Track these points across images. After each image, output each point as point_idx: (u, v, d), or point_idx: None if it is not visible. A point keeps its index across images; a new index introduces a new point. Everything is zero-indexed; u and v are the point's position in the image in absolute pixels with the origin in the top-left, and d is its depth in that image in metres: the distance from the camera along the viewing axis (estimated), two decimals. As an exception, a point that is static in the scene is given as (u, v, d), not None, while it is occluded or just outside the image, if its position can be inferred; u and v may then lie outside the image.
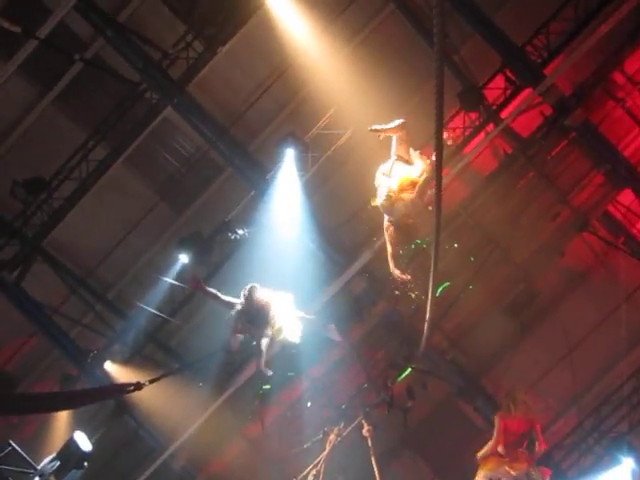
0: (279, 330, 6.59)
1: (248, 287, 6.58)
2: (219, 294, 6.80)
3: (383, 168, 6.46)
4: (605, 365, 12.72)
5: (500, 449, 8.06)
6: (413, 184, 6.25)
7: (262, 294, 6.59)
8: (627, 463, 11.82)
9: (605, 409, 12.42)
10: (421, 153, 6.39)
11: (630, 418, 12.31)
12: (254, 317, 6.53)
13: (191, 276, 6.96)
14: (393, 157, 6.50)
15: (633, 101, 12.38)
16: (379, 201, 6.29)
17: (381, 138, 6.54)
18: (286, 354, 6.82)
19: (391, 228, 6.35)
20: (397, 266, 6.46)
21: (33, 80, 12.68)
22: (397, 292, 7.30)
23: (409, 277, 6.63)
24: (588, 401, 12.82)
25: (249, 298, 6.51)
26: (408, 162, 6.43)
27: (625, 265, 12.81)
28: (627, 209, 12.42)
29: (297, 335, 6.78)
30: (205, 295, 6.89)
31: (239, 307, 6.56)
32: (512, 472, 7.66)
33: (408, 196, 6.22)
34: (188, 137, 13.10)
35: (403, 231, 6.35)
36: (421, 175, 6.19)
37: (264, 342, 6.56)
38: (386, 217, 6.38)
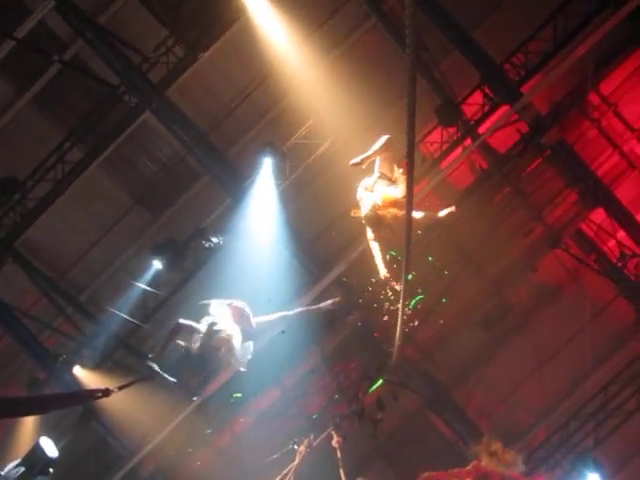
0: (227, 364, 6.50)
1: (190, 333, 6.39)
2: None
3: (365, 183, 6.49)
4: (574, 381, 12.86)
5: None
6: (395, 203, 6.30)
7: (216, 322, 6.37)
8: (593, 478, 11.98)
9: (573, 424, 12.55)
10: (403, 172, 6.41)
11: (596, 434, 12.46)
12: (196, 364, 6.39)
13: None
14: (376, 174, 6.54)
15: (608, 122, 12.60)
16: (363, 212, 6.33)
17: (364, 167, 6.58)
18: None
19: (376, 237, 6.41)
20: (389, 272, 6.43)
21: (10, 79, 12.54)
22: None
23: (396, 284, 6.62)
24: (557, 416, 12.93)
25: (186, 352, 6.34)
26: (391, 180, 6.48)
27: (595, 282, 13.00)
28: (599, 227, 12.60)
29: (244, 362, 6.64)
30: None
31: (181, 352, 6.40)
32: None
33: (394, 211, 6.27)
34: (166, 142, 13.03)
35: (385, 242, 6.40)
36: (404, 196, 6.23)
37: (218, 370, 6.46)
38: (369, 229, 6.43)
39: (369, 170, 6.77)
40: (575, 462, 12.24)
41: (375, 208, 6.27)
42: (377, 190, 6.40)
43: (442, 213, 6.57)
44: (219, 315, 6.44)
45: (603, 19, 10.66)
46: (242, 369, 6.62)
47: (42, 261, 13.30)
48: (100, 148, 12.14)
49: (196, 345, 6.35)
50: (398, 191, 6.40)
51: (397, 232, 6.43)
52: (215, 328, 6.33)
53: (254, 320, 6.69)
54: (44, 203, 12.20)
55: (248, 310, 6.68)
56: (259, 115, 12.96)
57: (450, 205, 7.11)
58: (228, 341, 6.34)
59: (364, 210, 6.36)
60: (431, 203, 12.03)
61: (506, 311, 12.69)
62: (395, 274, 6.55)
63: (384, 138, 6.25)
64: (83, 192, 12.87)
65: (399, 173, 6.47)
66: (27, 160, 12.35)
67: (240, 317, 6.55)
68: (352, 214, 6.51)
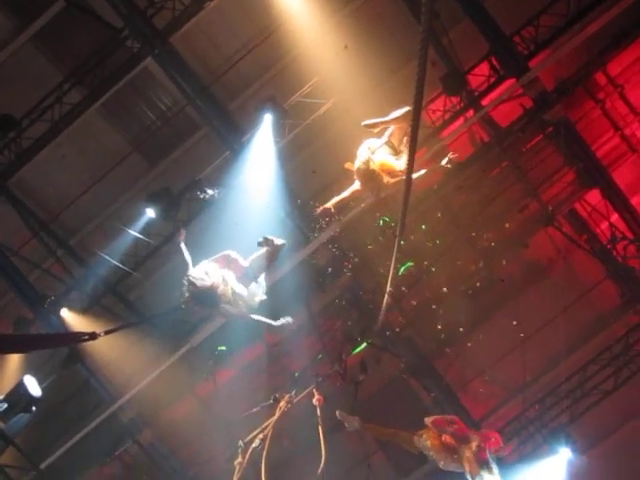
0: (236, 301, 6.52)
1: (185, 280, 6.42)
2: (187, 257, 6.67)
3: (370, 143, 6.52)
4: (554, 358, 13.01)
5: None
6: (391, 172, 6.33)
7: (204, 274, 6.41)
8: (564, 453, 12.24)
9: (549, 400, 12.76)
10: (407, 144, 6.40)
11: (571, 411, 12.68)
12: (204, 299, 6.41)
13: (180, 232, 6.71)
14: (384, 139, 6.54)
15: (612, 103, 12.53)
16: (356, 164, 6.37)
17: (377, 131, 6.58)
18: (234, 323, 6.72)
19: (360, 191, 6.48)
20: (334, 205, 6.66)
21: (12, 14, 12.29)
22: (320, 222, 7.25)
23: (332, 211, 6.77)
24: (534, 391, 13.13)
25: (191, 288, 6.36)
26: (395, 150, 6.49)
27: (585, 263, 13.08)
28: (593, 209, 12.63)
29: (260, 295, 6.72)
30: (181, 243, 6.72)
31: (187, 295, 6.42)
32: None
33: (387, 179, 6.30)
34: (167, 90, 12.87)
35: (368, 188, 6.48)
36: (402, 170, 6.28)
37: (226, 311, 6.48)
38: (357, 181, 6.48)
39: (379, 134, 6.77)
40: (548, 437, 12.48)
41: (368, 163, 6.31)
42: (379, 154, 6.42)
43: (443, 162, 6.58)
44: (208, 269, 6.47)
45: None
46: (257, 303, 6.67)
47: (34, 202, 13.24)
48: (99, 92, 11.98)
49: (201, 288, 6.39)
50: (399, 163, 6.42)
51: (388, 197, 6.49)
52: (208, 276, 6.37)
53: (243, 260, 6.70)
54: (39, 143, 12.09)
55: (233, 254, 6.69)
56: (262, 70, 12.80)
57: (447, 181, 7.15)
58: (225, 281, 6.36)
59: (357, 164, 6.41)
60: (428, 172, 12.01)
61: (494, 285, 12.77)
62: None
63: (405, 109, 6.23)
64: (80, 135, 12.75)
65: (405, 146, 6.48)
66: (24, 98, 12.18)
67: (227, 263, 6.58)
68: (346, 166, 6.56)
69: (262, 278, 6.73)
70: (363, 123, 6.51)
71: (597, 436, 13.11)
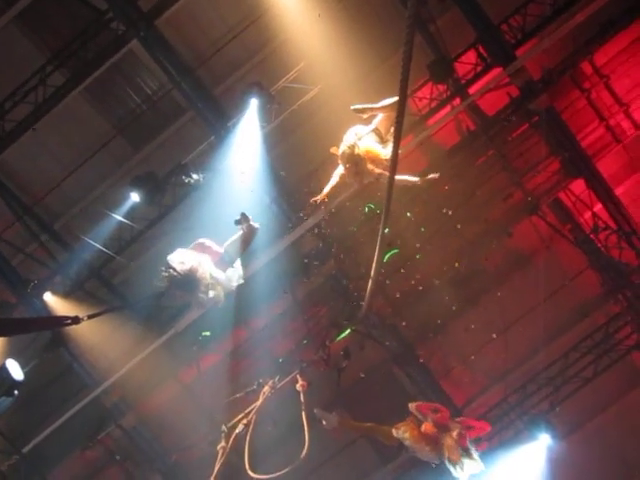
0: (214, 285, 6.54)
1: (165, 264, 6.45)
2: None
3: (357, 129, 6.54)
4: (536, 346, 13.15)
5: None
6: (375, 159, 6.36)
7: (182, 260, 6.43)
8: (544, 439, 12.42)
9: (530, 387, 12.91)
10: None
11: (552, 398, 12.84)
12: (183, 283, 6.43)
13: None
14: (372, 126, 6.56)
15: (597, 93, 12.58)
16: (341, 148, 6.40)
17: (365, 117, 6.59)
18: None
19: (344, 175, 6.51)
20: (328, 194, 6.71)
21: (-6, -6, 12.11)
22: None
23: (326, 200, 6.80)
24: (515, 378, 13.27)
25: (170, 272, 6.38)
26: (382, 140, 6.52)
27: (568, 253, 13.19)
28: (577, 198, 12.71)
29: (237, 279, 6.76)
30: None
31: (165, 282, 6.44)
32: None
33: (371, 167, 6.34)
34: (152, 74, 12.75)
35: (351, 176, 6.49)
36: (387, 159, 6.33)
37: (203, 300, 6.51)
38: (341, 166, 6.51)
39: (352, 119, 6.79)
40: (528, 423, 12.65)
41: (353, 148, 6.34)
42: (365, 141, 6.44)
43: (422, 179, 6.62)
44: (184, 256, 6.49)
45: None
46: (235, 285, 6.74)
47: (17, 186, 13.11)
48: (83, 74, 11.84)
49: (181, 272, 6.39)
50: (384, 151, 6.45)
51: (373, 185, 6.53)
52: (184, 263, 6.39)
53: (218, 246, 6.72)
54: (22, 126, 11.94)
55: (208, 241, 6.72)
56: (249, 55, 12.72)
57: (432, 169, 7.23)
58: (202, 266, 6.37)
59: (342, 147, 6.44)
60: (415, 159, 12.04)
61: (478, 273, 12.85)
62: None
63: (395, 99, 6.24)
64: (63, 118, 12.62)
65: (392, 135, 6.49)
66: (7, 81, 12.02)
67: (203, 249, 6.61)
68: (331, 150, 6.58)
69: (238, 263, 6.77)
70: (352, 106, 6.53)
71: (576, 422, 13.31)
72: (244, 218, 6.73)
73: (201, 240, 6.73)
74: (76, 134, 13.04)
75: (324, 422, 7.91)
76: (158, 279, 6.35)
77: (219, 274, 6.53)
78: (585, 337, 12.92)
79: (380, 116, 6.61)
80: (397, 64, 3.93)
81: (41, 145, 12.84)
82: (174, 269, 6.34)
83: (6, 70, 12.21)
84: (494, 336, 13.10)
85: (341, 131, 6.69)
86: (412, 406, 7.93)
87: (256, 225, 6.79)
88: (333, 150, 6.54)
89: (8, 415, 12.57)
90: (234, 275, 6.75)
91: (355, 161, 6.39)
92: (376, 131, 6.60)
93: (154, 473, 13.59)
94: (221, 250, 6.69)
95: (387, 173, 6.36)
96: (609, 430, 13.34)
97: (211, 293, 6.46)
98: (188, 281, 6.36)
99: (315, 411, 7.90)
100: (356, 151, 6.39)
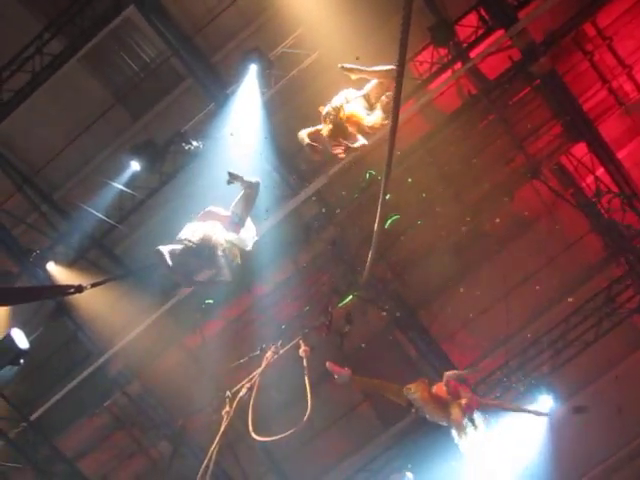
0: (230, 248, 6.52)
1: (178, 243, 6.32)
2: None
3: (348, 92, 6.49)
4: (537, 311, 13.22)
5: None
6: (357, 124, 6.34)
7: (193, 230, 6.33)
8: (545, 402, 12.55)
9: (531, 351, 13.01)
10: (388, 102, 6.37)
11: (553, 361, 12.94)
12: (200, 252, 6.36)
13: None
14: (363, 91, 6.51)
15: (600, 56, 12.43)
16: (326, 108, 6.38)
17: (354, 78, 6.52)
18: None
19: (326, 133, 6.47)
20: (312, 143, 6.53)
21: (-13, -39, 11.91)
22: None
23: (319, 153, 6.66)
24: (518, 342, 13.36)
25: (187, 244, 6.27)
26: (370, 105, 6.47)
27: (570, 217, 13.18)
28: (579, 162, 12.65)
29: (251, 238, 6.75)
30: None
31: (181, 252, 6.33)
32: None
33: (352, 130, 6.32)
34: (150, 41, 12.60)
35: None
36: (370, 127, 6.30)
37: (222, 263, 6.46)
38: (324, 124, 6.48)
39: (359, 86, 6.73)
40: (529, 386, 12.77)
41: (339, 110, 6.31)
42: (353, 104, 6.41)
43: (356, 144, 6.54)
44: (194, 228, 6.45)
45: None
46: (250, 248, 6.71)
47: (16, 156, 13.06)
48: (81, 42, 11.70)
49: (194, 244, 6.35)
50: (369, 118, 6.42)
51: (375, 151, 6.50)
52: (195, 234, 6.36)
53: (224, 210, 6.68)
54: (20, 95, 11.85)
55: (213, 208, 6.67)
56: (247, 21, 12.54)
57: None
58: (214, 231, 6.37)
59: (327, 108, 6.41)
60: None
61: (480, 238, 12.86)
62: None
63: (390, 66, 6.17)
64: (61, 87, 12.50)
65: (382, 102, 6.45)
66: (3, 50, 11.90)
67: (210, 216, 6.57)
68: (319, 109, 6.55)
69: (249, 222, 6.74)
70: (341, 65, 6.46)
71: (577, 385, 13.43)
72: (232, 176, 6.66)
73: (207, 209, 6.67)
74: (74, 103, 12.93)
75: (336, 377, 7.96)
76: (156, 257, 6.25)
77: (232, 236, 6.50)
78: (587, 301, 12.97)
79: (373, 82, 6.54)
80: (398, 26, 3.87)
81: (39, 115, 12.75)
82: (188, 240, 6.27)
83: (2, 39, 12.07)
84: (496, 300, 13.16)
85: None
86: (447, 375, 8.07)
87: (253, 180, 6.72)
88: (321, 109, 6.50)
89: (15, 384, 12.72)
90: (248, 235, 6.72)
91: (337, 124, 6.37)
92: (366, 96, 6.55)
93: (160, 438, 13.80)
94: (228, 213, 6.65)
95: (364, 141, 6.41)
96: (610, 393, 13.47)
97: (230, 256, 6.44)
98: (204, 248, 6.30)
99: (327, 364, 7.96)
100: (340, 114, 6.37)
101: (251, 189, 6.66)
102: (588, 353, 13.02)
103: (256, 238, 6.83)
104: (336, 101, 6.44)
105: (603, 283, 13.20)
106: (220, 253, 6.34)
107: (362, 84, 6.65)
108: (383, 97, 6.48)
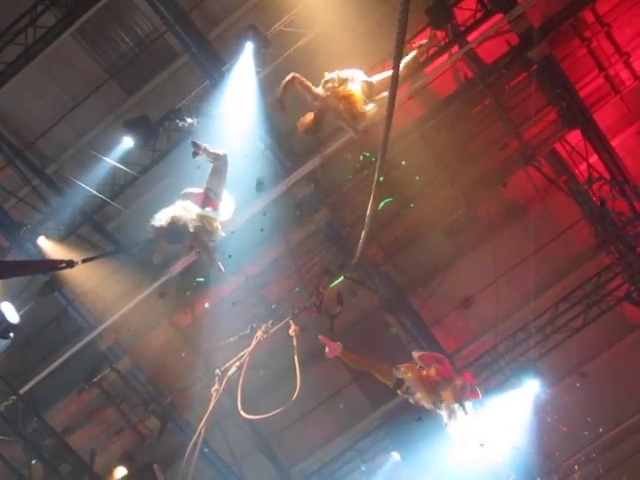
0: (208, 220, 6.53)
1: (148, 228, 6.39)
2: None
3: (357, 73, 6.49)
4: (527, 296, 13.28)
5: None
6: (351, 106, 6.33)
7: (162, 214, 6.37)
8: (531, 386, 12.68)
9: (520, 336, 13.11)
10: (384, 104, 6.37)
11: (541, 347, 13.05)
12: (172, 234, 6.39)
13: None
14: (370, 79, 6.50)
15: (598, 43, 12.39)
16: (331, 75, 6.38)
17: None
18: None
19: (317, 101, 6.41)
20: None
21: None
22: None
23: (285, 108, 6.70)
24: (506, 327, 13.45)
25: (157, 227, 6.32)
26: (370, 96, 6.48)
27: (562, 204, 13.21)
28: (573, 149, 12.66)
29: (230, 210, 6.78)
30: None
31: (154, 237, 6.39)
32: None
33: (343, 107, 6.30)
34: (145, 16, 12.46)
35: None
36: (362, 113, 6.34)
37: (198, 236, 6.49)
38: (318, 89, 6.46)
39: (348, 64, 6.72)
40: (517, 370, 12.89)
41: (342, 82, 6.29)
42: (355, 85, 6.40)
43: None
44: (165, 212, 6.46)
45: None
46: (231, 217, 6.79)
47: (8, 129, 12.95)
48: (75, 14, 11.55)
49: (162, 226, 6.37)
50: (363, 105, 6.41)
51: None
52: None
53: (198, 188, 6.68)
54: (12, 68, 11.71)
55: (187, 189, 6.70)
56: (243, -2, 12.41)
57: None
58: (186, 211, 6.42)
59: (331, 75, 6.41)
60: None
61: (471, 223, 12.89)
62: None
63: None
64: (54, 61, 12.39)
65: (380, 99, 6.45)
66: (-4, 21, 11.75)
67: (184, 197, 6.59)
68: (325, 74, 6.54)
69: (226, 195, 6.75)
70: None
71: (564, 371, 13.56)
72: (197, 146, 6.64)
73: (183, 191, 6.72)
74: (68, 77, 12.81)
75: (327, 349, 7.99)
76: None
77: (209, 212, 6.51)
78: (576, 287, 13.05)
79: (383, 75, 6.55)
80: (396, 6, 3.85)
81: (32, 88, 12.62)
82: (159, 224, 6.29)
83: (-5, 10, 11.92)
84: (486, 285, 13.22)
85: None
86: (415, 355, 8.04)
87: (220, 152, 6.70)
88: (325, 74, 6.49)
89: (5, 357, 12.71)
90: (226, 207, 6.73)
91: (332, 95, 6.35)
92: (370, 85, 6.53)
93: (149, 415, 13.86)
94: (201, 190, 6.66)
95: (350, 129, 6.41)
96: (595, 378, 13.60)
97: (208, 228, 6.45)
98: (174, 230, 6.32)
99: (320, 337, 8.00)
100: (341, 87, 6.34)
101: (219, 161, 6.65)
102: (576, 339, 13.12)
103: (234, 207, 6.83)
104: (344, 74, 6.41)
105: (592, 270, 13.28)
106: (192, 230, 6.36)
107: (348, 61, 6.65)
108: (384, 94, 6.47)
